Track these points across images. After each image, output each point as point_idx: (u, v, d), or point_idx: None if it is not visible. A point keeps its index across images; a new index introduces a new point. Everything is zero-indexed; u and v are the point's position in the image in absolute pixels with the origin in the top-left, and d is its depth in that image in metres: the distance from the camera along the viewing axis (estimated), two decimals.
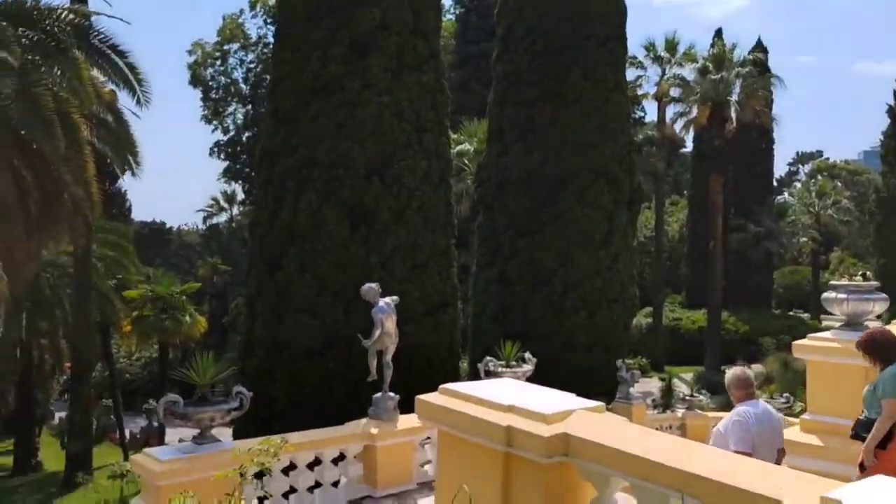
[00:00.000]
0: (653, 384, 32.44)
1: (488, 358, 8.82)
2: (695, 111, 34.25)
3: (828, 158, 79.26)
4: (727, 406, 23.41)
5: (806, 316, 46.50)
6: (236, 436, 16.85)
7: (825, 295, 6.56)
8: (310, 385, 14.34)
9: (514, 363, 8.84)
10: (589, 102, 19.58)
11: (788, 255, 51.22)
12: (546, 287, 19.20)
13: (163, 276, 27.99)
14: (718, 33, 47.50)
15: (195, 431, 5.87)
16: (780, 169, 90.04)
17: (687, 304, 48.48)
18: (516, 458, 3.49)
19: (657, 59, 37.51)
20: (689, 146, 54.99)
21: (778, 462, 5.32)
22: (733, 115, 38.05)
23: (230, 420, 6.15)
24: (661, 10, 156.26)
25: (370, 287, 7.79)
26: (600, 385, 18.85)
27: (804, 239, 46.02)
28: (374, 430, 7.49)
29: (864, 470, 5.11)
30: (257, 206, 16.13)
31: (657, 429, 16.23)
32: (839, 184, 58.72)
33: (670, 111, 36.67)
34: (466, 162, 31.48)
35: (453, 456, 4.03)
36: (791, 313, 49.19)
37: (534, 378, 16.01)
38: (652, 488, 2.86)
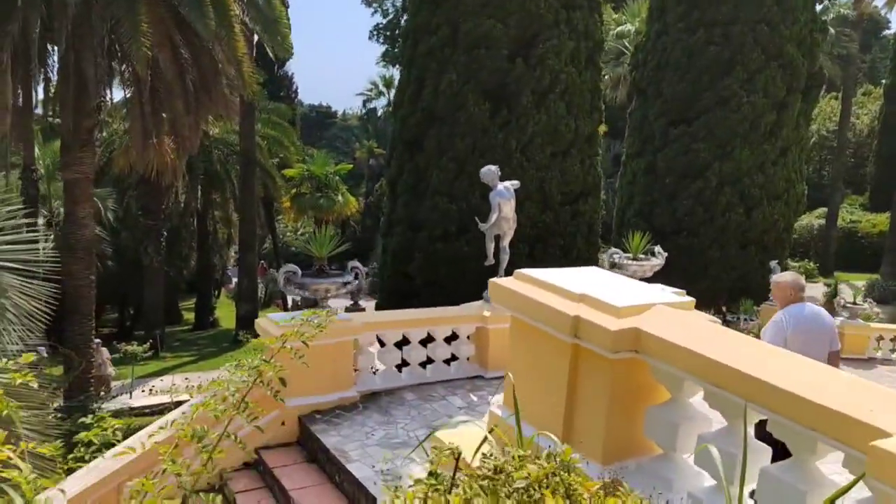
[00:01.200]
0: (819, 289, 30.17)
1: (613, 249, 8.45)
2: None
3: None
4: None
5: None
6: (377, 308, 17.88)
7: None
8: (444, 265, 14.66)
9: (641, 256, 8.41)
10: None
11: None
12: (698, 180, 17.97)
13: (322, 156, 29.29)
14: None
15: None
16: None
17: (870, 206, 43.86)
18: (584, 351, 3.27)
19: None
20: (893, 28, 47.86)
21: (834, 365, 5.16)
22: None
23: (347, 292, 6.40)
24: None
25: (489, 169, 7.57)
26: (754, 286, 17.83)
27: None
28: (486, 313, 7.51)
29: None
30: (400, 86, 16.14)
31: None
32: None
33: None
34: (627, 44, 29.46)
35: (525, 343, 3.90)
36: None
37: (675, 275, 15.41)
38: (726, 396, 2.57)
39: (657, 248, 8.61)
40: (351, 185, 41.85)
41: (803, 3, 17.81)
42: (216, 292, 31.85)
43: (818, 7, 34.91)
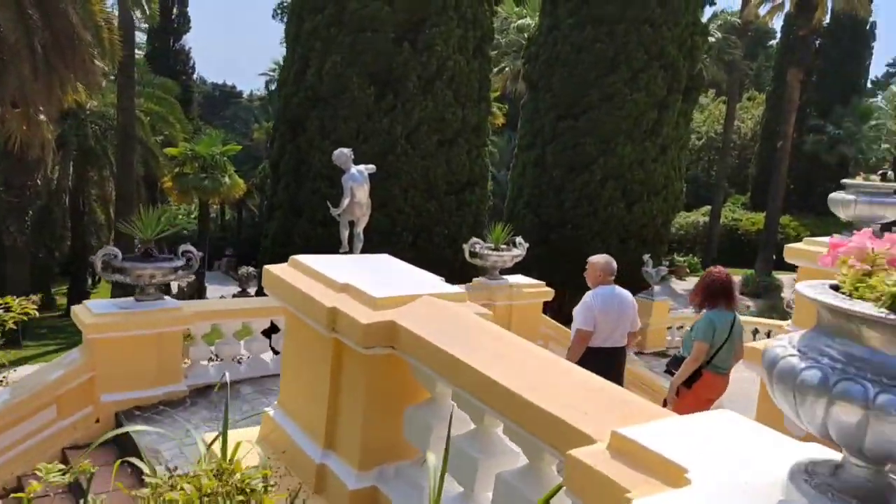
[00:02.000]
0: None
1: (474, 239, 8.37)
2: None
3: None
4: (768, 311, 22.73)
5: (875, 227, 44.05)
6: (257, 294, 17.23)
7: (832, 196, 5.77)
8: (325, 251, 14.27)
9: (503, 246, 8.39)
10: None
11: (868, 162, 47.90)
12: (584, 174, 18.36)
13: (213, 136, 28.09)
14: None
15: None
16: (879, 70, 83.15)
17: (751, 205, 46.50)
18: (344, 346, 3.06)
19: None
20: (778, 38, 50.77)
21: (628, 344, 5.94)
22: (830, 2, 34.60)
23: (178, 278, 5.97)
24: None
25: (341, 152, 7.31)
26: (633, 279, 18.34)
27: (886, 146, 42.76)
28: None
29: (666, 406, 5.36)
30: (285, 65, 15.62)
31: (679, 328, 15.81)
32: None
33: None
34: (527, 38, 29.76)
35: (295, 338, 3.69)
36: None
37: (558, 268, 15.66)
38: (464, 397, 2.42)
39: (518, 239, 8.62)
40: (249, 166, 40.44)
41: (686, 6, 18.44)
42: (96, 276, 30.03)
43: (708, 13, 36.53)
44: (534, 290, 8.69)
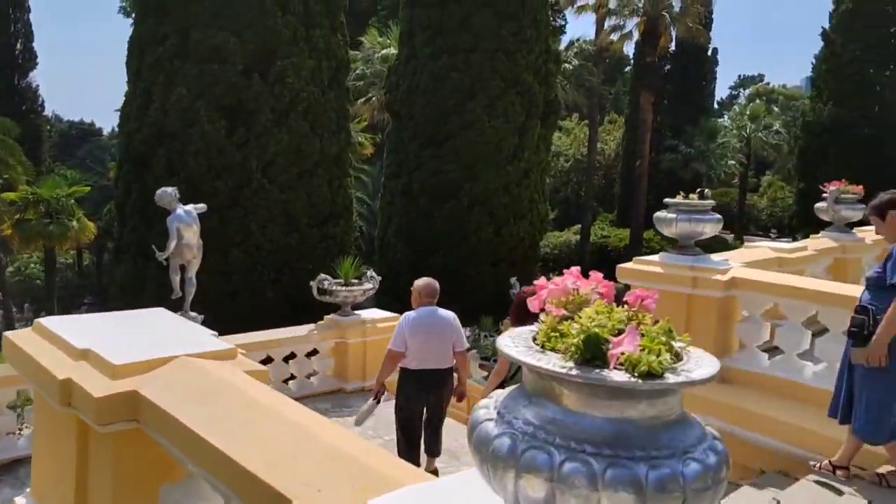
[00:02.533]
0: None
1: (322, 276, 8.05)
2: (629, 25, 33.16)
3: (768, 83, 79.37)
4: None
5: (731, 237, 47.38)
6: None
7: (657, 214, 5.99)
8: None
9: (354, 281, 8.11)
10: (503, 6, 18.33)
11: (719, 177, 51.61)
12: (451, 201, 18.46)
13: (60, 177, 26.15)
14: None
15: None
16: (723, 92, 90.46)
17: (618, 222, 48.79)
18: (86, 424, 2.70)
19: None
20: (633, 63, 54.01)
21: (459, 366, 5.90)
22: (673, 32, 37.23)
23: None
24: None
25: (164, 191, 6.85)
26: (506, 302, 18.52)
27: (732, 161, 46.25)
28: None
29: None
30: (126, 100, 14.72)
31: None
32: (776, 108, 58.91)
33: (609, 25, 35.33)
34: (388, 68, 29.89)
35: (39, 415, 3.26)
36: (717, 234, 50.09)
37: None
38: (207, 477, 2.12)
39: (370, 272, 8.37)
40: (107, 207, 37.97)
41: (537, 35, 19.10)
42: None
43: (566, 41, 38.31)
44: (390, 324, 8.45)
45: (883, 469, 4.15)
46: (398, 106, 19.38)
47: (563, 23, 28.58)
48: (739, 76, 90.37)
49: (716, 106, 71.24)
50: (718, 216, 5.74)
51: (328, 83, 14.96)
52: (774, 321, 5.34)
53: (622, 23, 33.15)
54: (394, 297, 13.30)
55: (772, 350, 5.46)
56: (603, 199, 54.33)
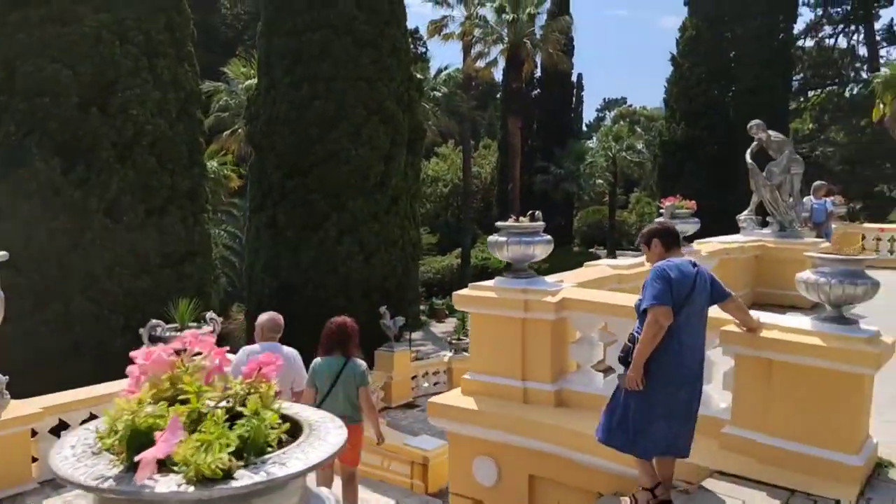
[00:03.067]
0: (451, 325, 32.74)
1: (154, 321, 7.45)
2: (494, 52, 34.12)
3: (630, 105, 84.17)
4: None
5: (603, 252, 49.41)
6: None
7: (489, 238, 5.96)
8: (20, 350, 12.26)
9: (192, 325, 7.55)
10: (361, 34, 18.26)
11: (588, 196, 53.92)
12: (319, 231, 18.03)
13: None
14: None
15: None
16: (591, 115, 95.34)
17: None
18: None
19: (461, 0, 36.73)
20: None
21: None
22: (538, 59, 38.68)
23: None
24: None
25: None
26: (378, 334, 18.21)
27: (600, 181, 48.44)
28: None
29: None
30: None
31: (423, 375, 15.89)
32: (639, 129, 62.46)
33: (475, 53, 36.18)
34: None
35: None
36: (591, 250, 52.14)
37: (303, 331, 15.00)
38: None
39: (209, 314, 7.84)
40: None
41: (398, 63, 19.14)
42: None
43: (435, 68, 38.83)
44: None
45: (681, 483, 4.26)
46: (259, 137, 18.80)
47: (424, 50, 28.72)
48: (604, 99, 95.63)
49: (584, 128, 74.85)
50: (548, 237, 5.75)
51: (177, 115, 14.23)
52: (609, 340, 5.37)
53: (487, 50, 34.04)
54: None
55: (608, 370, 5.49)
56: (482, 221, 55.43)
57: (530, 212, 5.89)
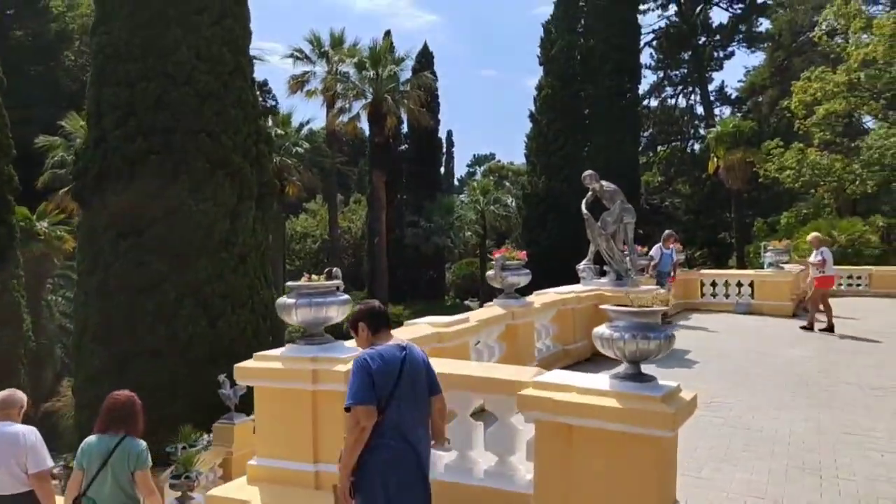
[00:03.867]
0: None
1: None
2: (356, 107, 34.04)
3: (499, 161, 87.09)
4: None
5: (476, 304, 49.70)
6: None
7: (278, 301, 5.33)
8: None
9: None
10: (203, 85, 17.37)
11: (459, 250, 54.45)
12: (156, 295, 16.59)
13: None
14: (387, 34, 48.74)
15: None
16: (462, 170, 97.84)
17: (369, 298, 49.08)
18: None
19: (323, 55, 36.60)
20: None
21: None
22: (403, 115, 39.01)
23: None
24: (365, 17, 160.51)
25: None
26: (219, 404, 16.82)
27: (468, 233, 49.09)
28: None
29: None
30: None
31: None
32: (507, 183, 64.35)
33: (336, 108, 35.95)
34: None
35: None
36: (466, 302, 52.42)
37: (147, 406, 13.50)
38: None
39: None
40: None
41: (244, 116, 18.34)
42: None
43: (297, 122, 38.15)
44: None
45: None
46: (88, 194, 17.28)
47: (274, 103, 28.00)
48: (474, 155, 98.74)
49: (456, 183, 76.38)
50: (345, 298, 5.20)
51: None
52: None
53: (348, 105, 33.91)
54: (93, 413, 11.24)
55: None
56: (354, 277, 54.58)
57: (327, 269, 5.32)
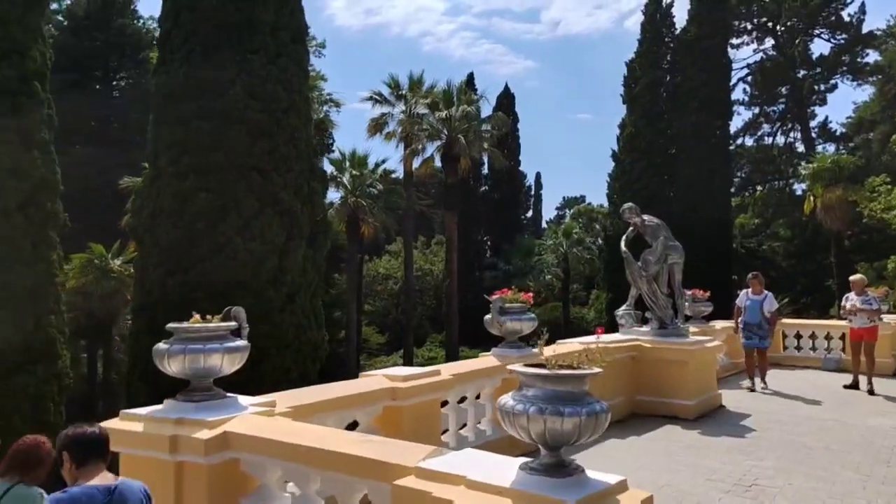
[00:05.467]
0: None
1: None
2: (430, 149, 33.70)
3: (589, 203, 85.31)
4: None
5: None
6: None
7: (154, 348, 4.52)
8: None
9: None
10: (255, 123, 17.30)
11: (540, 293, 52.81)
12: None
13: None
14: (470, 78, 48.67)
15: None
16: (550, 213, 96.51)
17: (447, 340, 48.21)
18: None
19: (401, 98, 36.66)
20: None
21: None
22: (484, 157, 38.53)
23: None
24: (461, 65, 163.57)
25: None
26: None
27: (548, 277, 47.56)
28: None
29: None
30: None
31: None
32: (597, 226, 62.45)
33: (409, 149, 35.76)
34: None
35: None
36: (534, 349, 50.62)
37: None
38: None
39: None
40: None
41: (297, 153, 18.13)
42: None
43: (369, 165, 38.20)
44: None
45: None
46: (142, 231, 17.40)
47: (331, 141, 27.94)
48: (564, 198, 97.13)
49: (544, 226, 74.94)
50: (238, 344, 4.34)
51: (18, 207, 12.81)
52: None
53: (422, 146, 33.58)
54: None
55: None
56: (434, 319, 53.95)
57: (228, 308, 4.49)
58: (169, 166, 17.13)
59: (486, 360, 7.05)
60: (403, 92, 36.39)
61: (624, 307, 9.75)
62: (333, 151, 37.70)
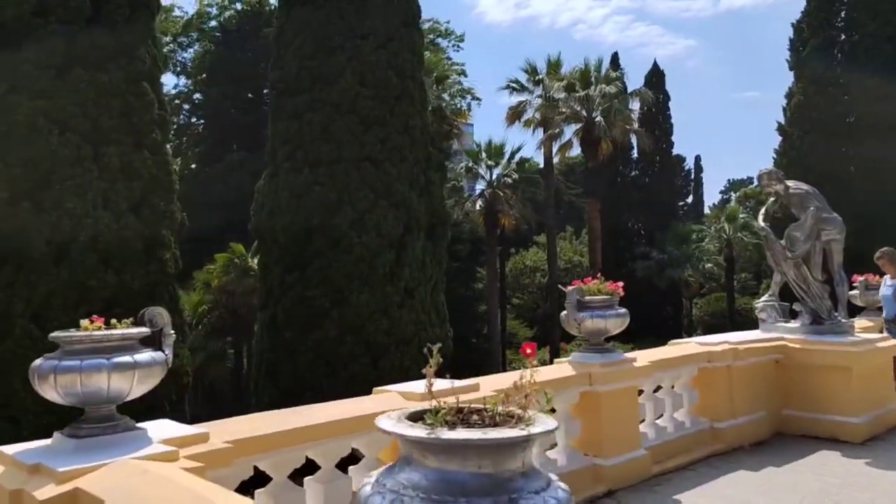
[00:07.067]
0: None
1: None
2: (568, 133, 31.80)
3: (756, 185, 78.46)
4: None
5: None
6: None
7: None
8: None
9: None
10: (367, 112, 16.68)
11: (703, 283, 48.86)
12: (316, 331, 15.99)
13: None
14: (614, 58, 45.75)
15: None
16: (714, 197, 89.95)
17: None
18: None
19: (538, 83, 35.02)
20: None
21: None
22: (634, 141, 36.01)
23: None
24: (615, 49, 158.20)
25: None
26: None
27: (709, 265, 43.74)
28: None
29: None
30: None
31: None
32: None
33: (546, 135, 34.02)
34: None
35: None
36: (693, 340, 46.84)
37: None
38: None
39: None
40: None
41: (411, 142, 17.32)
42: None
43: (505, 155, 36.89)
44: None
45: None
46: (262, 228, 17.39)
47: (448, 128, 26.75)
48: (729, 180, 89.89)
49: (707, 211, 69.66)
50: (153, 357, 3.27)
51: (130, 207, 12.95)
52: None
53: (560, 130, 31.74)
54: None
55: None
56: None
57: (144, 310, 3.48)
58: (285, 162, 16.96)
59: (560, 368, 5.57)
60: (541, 77, 34.72)
61: (765, 298, 7.74)
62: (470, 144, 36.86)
